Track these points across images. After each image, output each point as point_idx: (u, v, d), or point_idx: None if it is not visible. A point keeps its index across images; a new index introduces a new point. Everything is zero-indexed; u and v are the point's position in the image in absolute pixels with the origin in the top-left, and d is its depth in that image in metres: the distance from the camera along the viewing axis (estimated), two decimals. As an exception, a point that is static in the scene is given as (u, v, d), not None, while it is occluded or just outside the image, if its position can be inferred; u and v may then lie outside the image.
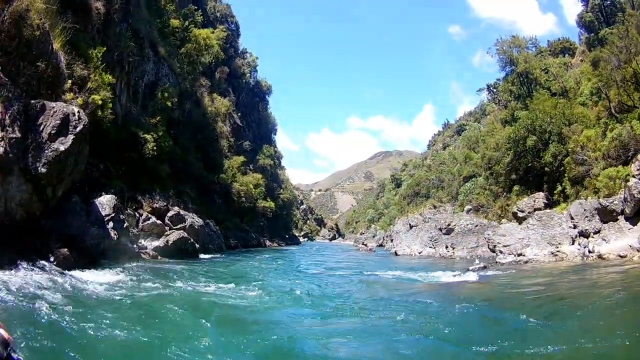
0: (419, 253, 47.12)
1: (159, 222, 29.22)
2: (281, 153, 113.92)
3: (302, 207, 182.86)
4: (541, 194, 41.53)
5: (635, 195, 27.21)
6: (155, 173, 34.29)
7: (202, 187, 45.61)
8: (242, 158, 62.61)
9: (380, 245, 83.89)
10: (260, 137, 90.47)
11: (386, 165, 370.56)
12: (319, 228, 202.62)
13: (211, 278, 19.34)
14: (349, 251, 70.01)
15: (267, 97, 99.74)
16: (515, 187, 48.21)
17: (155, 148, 33.76)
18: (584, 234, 30.30)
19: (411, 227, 56.09)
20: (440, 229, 48.97)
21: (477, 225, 44.88)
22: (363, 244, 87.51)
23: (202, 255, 31.48)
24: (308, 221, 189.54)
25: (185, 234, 29.81)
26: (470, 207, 55.32)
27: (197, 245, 31.34)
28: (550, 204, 39.43)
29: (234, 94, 75.02)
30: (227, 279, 19.47)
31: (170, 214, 31.22)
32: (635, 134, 32.01)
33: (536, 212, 36.17)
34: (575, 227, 31.21)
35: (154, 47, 40.67)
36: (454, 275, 24.18)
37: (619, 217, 28.96)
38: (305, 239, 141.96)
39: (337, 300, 16.19)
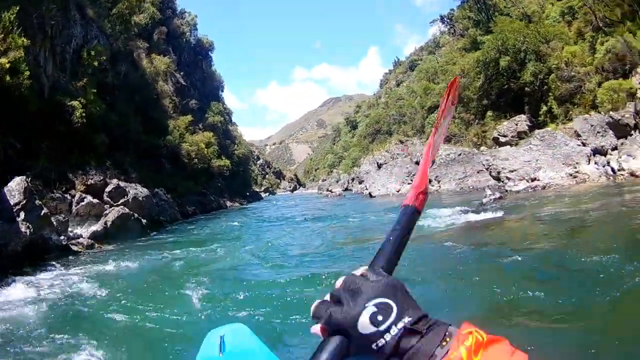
0: (397, 191, 44.15)
1: (95, 201, 23.90)
2: (231, 109, 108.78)
3: (259, 162, 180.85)
4: (523, 116, 40.05)
5: (650, 107, 24.30)
6: (88, 144, 29.02)
7: (146, 153, 40.28)
8: (189, 117, 57.24)
9: (346, 189, 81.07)
10: (207, 96, 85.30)
11: (337, 110, 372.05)
12: (278, 181, 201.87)
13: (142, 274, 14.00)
14: (316, 199, 67.10)
15: (210, 54, 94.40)
16: (489, 113, 46.84)
17: (84, 115, 28.46)
18: (599, 152, 27.29)
19: (379, 165, 53.85)
20: (417, 163, 45.17)
21: (460, 154, 41.98)
22: (328, 190, 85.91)
23: (154, 232, 26.30)
24: (267, 175, 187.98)
25: (127, 210, 24.55)
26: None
27: (145, 221, 26.09)
28: (534, 126, 37.84)
29: (174, 54, 69.77)
30: (171, 265, 14.70)
31: (108, 188, 25.76)
32: (631, 46, 30.00)
33: (537, 132, 32.56)
34: (584, 144, 28.15)
35: (81, 10, 35.41)
36: (473, 212, 19.76)
37: (632, 132, 26.49)
38: (267, 193, 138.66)
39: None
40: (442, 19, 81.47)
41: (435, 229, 16.64)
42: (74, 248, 19.36)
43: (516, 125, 39.21)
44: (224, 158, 68.29)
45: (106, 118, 32.98)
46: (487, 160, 34.37)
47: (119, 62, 41.47)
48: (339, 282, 0.93)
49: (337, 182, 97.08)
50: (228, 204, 62.09)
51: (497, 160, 32.22)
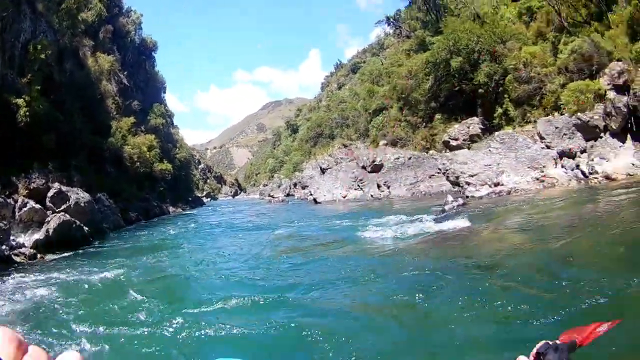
0: (343, 197, 43.40)
1: (38, 206, 22.96)
2: (172, 112, 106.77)
3: (200, 166, 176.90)
4: (475, 118, 39.45)
5: (622, 109, 24.54)
6: (33, 145, 27.99)
7: (91, 155, 39.15)
8: (132, 119, 55.70)
9: (289, 194, 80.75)
10: (149, 97, 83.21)
11: (277, 114, 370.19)
12: (219, 186, 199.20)
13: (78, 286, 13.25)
14: (258, 204, 66.75)
15: (153, 54, 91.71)
16: (437, 116, 46.25)
17: (27, 114, 27.41)
18: (566, 154, 27.25)
19: (322, 170, 52.84)
20: (364, 167, 45.30)
21: (410, 158, 41.16)
22: (270, 195, 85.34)
23: (97, 241, 25.30)
24: (208, 180, 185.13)
25: (68, 216, 23.58)
26: (385, 141, 51.16)
27: (87, 229, 25.10)
28: (487, 129, 37.67)
29: (119, 54, 68.07)
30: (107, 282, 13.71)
31: (50, 193, 24.79)
32: (599, 47, 29.47)
33: (497, 134, 32.74)
34: (548, 147, 28.06)
35: (31, 3, 34.30)
36: (436, 220, 18.88)
37: (602, 134, 26.29)
38: (209, 198, 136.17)
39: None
40: (387, 20, 79.71)
41: (395, 241, 15.97)
42: (17, 259, 18.51)
43: (468, 128, 38.83)
44: (165, 162, 66.80)
45: (52, 117, 31.88)
46: (443, 164, 34.01)
47: (65, 59, 40.37)
48: None
49: (279, 187, 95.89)
50: (171, 209, 60.75)
51: (454, 164, 31.89)
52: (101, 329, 8.58)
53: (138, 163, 51.50)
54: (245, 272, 13.58)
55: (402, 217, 21.10)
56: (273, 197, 76.11)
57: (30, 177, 24.95)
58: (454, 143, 38.31)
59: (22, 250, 19.57)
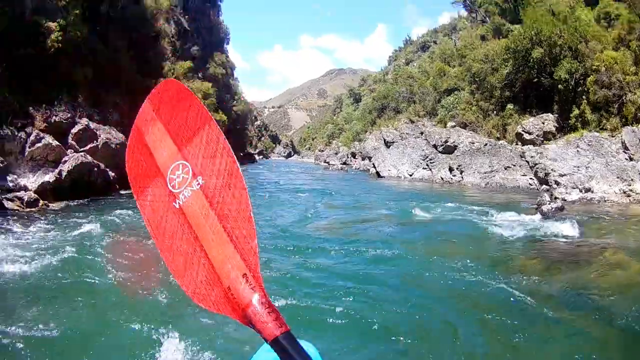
0: (410, 175, 39.60)
1: (55, 143, 18.74)
2: (234, 64, 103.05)
3: (256, 123, 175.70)
4: (550, 115, 37.02)
5: None
6: (65, 77, 23.90)
7: (136, 96, 35.16)
8: (188, 63, 51.87)
9: (345, 163, 77.12)
10: (211, 46, 79.81)
11: (339, 82, 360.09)
12: (273, 145, 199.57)
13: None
14: (314, 169, 64.66)
15: (218, 2, 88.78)
16: (509, 106, 42.97)
17: (60, 39, 23.26)
18: None
19: (386, 142, 49.86)
20: (435, 146, 41.14)
21: (486, 145, 37.16)
22: (325, 161, 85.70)
23: (126, 190, 21.28)
24: (262, 138, 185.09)
25: (89, 158, 19.48)
26: (454, 123, 47.64)
27: (113, 174, 21.09)
28: (561, 128, 35.80)
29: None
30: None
31: (75, 129, 20.64)
32: None
33: (586, 134, 29.08)
34: (631, 159, 24.79)
35: None
36: (539, 221, 15.86)
37: None
38: (261, 156, 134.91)
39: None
40: (464, 1, 77.60)
41: (503, 242, 13.04)
42: (10, 205, 14.43)
43: (542, 123, 36.17)
44: (221, 112, 63.39)
45: (92, 48, 27.77)
46: (532, 157, 30.94)
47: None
48: None
49: (336, 154, 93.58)
50: None
51: (544, 159, 28.09)
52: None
53: (190, 110, 47.52)
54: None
55: (492, 210, 18.05)
56: (329, 164, 74.80)
57: (51, 108, 20.78)
58: (527, 137, 35.96)
59: (20, 194, 15.46)
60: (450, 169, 37.47)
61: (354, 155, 79.41)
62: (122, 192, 20.83)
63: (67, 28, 23.79)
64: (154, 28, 44.39)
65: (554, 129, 35.55)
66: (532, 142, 35.13)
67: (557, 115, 37.00)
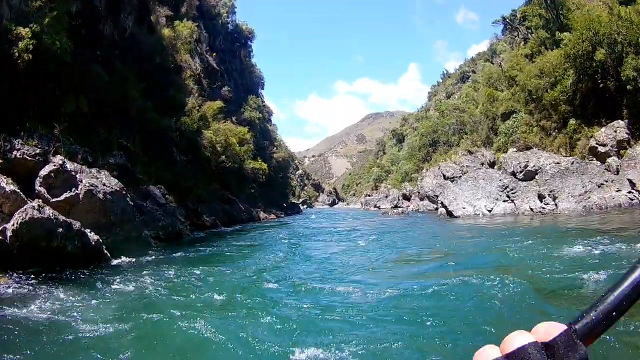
0: (489, 211, 33.75)
1: (10, 188, 12.28)
2: (271, 109, 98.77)
3: (298, 172, 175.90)
4: (621, 122, 34.27)
5: None
6: (46, 101, 17.77)
7: (153, 135, 28.93)
8: (219, 103, 46.36)
9: (396, 206, 70.88)
10: (245, 90, 76.58)
11: (377, 126, 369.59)
12: (317, 194, 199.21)
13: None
14: (369, 216, 57.21)
15: (249, 43, 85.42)
16: (572, 122, 40.58)
17: (31, 48, 17.05)
18: None
19: (447, 178, 47.00)
20: (513, 174, 36.56)
21: (573, 163, 33.50)
22: (376, 206, 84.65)
23: (117, 260, 14.50)
24: (306, 187, 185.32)
25: (50, 213, 12.60)
26: (515, 148, 45.73)
27: (95, 238, 13.83)
28: (633, 134, 33.45)
29: (206, 33, 59.93)
30: None
31: (45, 171, 14.23)
32: None
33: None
34: None
35: None
36: None
37: None
38: (305, 206, 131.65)
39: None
40: (504, 20, 74.55)
41: None
42: None
43: (615, 132, 33.70)
44: (260, 160, 57.83)
45: (94, 76, 21.74)
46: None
47: (123, 10, 30.37)
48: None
49: (387, 198, 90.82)
50: (262, 215, 51.93)
51: None
52: None
53: (224, 156, 41.42)
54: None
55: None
56: (380, 209, 74.13)
57: (13, 141, 14.27)
58: (602, 150, 33.77)
59: None
60: (541, 197, 32.85)
61: (406, 197, 75.59)
62: (115, 261, 14.20)
63: (42, 36, 17.52)
64: (174, 60, 38.39)
65: (627, 136, 33.09)
66: (607, 155, 32.86)
67: (627, 121, 34.38)
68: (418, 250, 18.69)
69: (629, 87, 34.11)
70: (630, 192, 28.36)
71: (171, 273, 12.82)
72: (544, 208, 31.52)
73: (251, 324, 8.36)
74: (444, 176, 48.75)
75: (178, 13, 47.91)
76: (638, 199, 27.43)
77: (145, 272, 12.63)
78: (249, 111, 69.75)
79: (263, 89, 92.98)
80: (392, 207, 71.12)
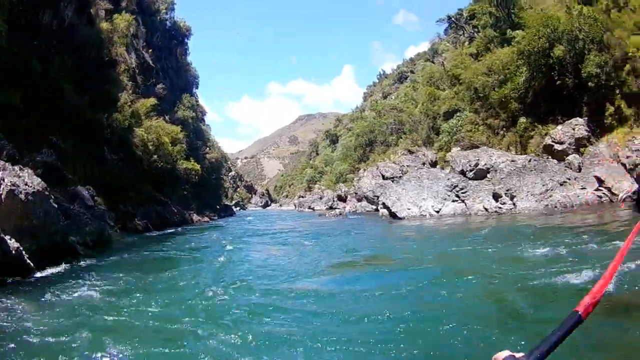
0: (437, 212, 32.62)
1: None
2: (205, 109, 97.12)
3: (230, 174, 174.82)
4: (579, 119, 34.53)
5: None
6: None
7: (83, 131, 27.00)
8: (152, 100, 44.72)
9: (331, 207, 73.06)
10: (179, 89, 74.62)
11: (310, 127, 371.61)
12: (249, 195, 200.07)
13: None
14: (306, 218, 54.93)
15: (186, 40, 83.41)
16: (522, 120, 40.92)
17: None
18: None
19: (385, 178, 47.11)
20: (462, 173, 35.99)
21: (530, 161, 33.37)
22: (310, 207, 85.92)
23: (40, 272, 12.86)
24: (238, 189, 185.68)
25: None
26: (459, 148, 45.04)
27: (17, 246, 11.95)
28: (593, 132, 33.76)
29: (144, 28, 58.06)
30: None
31: (-44, 170, 12.42)
32: None
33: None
34: None
35: None
36: None
37: None
38: (237, 207, 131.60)
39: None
40: (449, 18, 77.25)
41: None
42: None
43: (573, 130, 33.75)
44: (193, 161, 56.38)
45: (29, 66, 20.00)
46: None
47: (62, 0, 28.59)
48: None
49: (321, 199, 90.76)
50: (195, 217, 50.54)
51: None
52: None
53: (156, 156, 39.61)
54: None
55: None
56: (314, 210, 74.90)
57: None
58: (558, 147, 33.93)
59: None
60: (496, 196, 32.25)
61: (340, 198, 75.90)
62: (38, 274, 12.58)
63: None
64: (109, 53, 36.53)
65: (585, 133, 33.35)
66: (564, 153, 33.10)
67: (586, 118, 34.51)
68: (365, 252, 17.79)
69: (590, 83, 34.25)
70: (598, 190, 28.24)
71: (101, 284, 11.38)
72: (500, 207, 31.13)
73: (189, 332, 7.92)
74: (383, 176, 48.62)
75: (118, 6, 46.57)
76: (607, 196, 27.21)
77: (71, 286, 11.05)
78: (182, 110, 68.20)
79: (197, 87, 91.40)
80: (327, 209, 71.47)
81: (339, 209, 62.21)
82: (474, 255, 14.08)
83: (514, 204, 30.65)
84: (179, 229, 36.36)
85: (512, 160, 33.62)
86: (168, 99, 62.61)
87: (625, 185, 24.27)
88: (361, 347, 7.17)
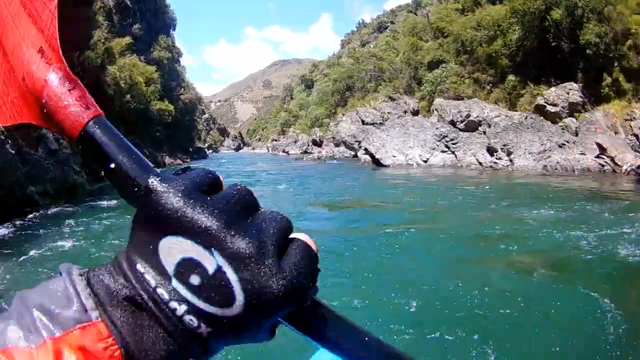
0: (425, 162, 31.53)
1: None
2: (181, 50, 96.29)
3: (204, 116, 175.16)
4: (574, 84, 34.65)
5: None
6: None
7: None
8: (127, 39, 43.04)
9: (305, 152, 73.88)
10: (155, 31, 73.78)
11: (285, 73, 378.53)
12: (222, 138, 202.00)
13: None
14: (282, 162, 54.88)
15: None
16: (510, 77, 41.18)
17: None
18: None
19: (365, 123, 47.18)
20: (452, 123, 35.05)
21: (527, 118, 33.38)
22: (284, 151, 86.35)
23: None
24: (211, 131, 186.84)
25: None
26: (443, 98, 43.97)
27: None
28: (588, 98, 33.94)
29: None
30: None
31: None
32: None
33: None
34: None
35: None
36: None
37: None
38: (210, 150, 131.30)
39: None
40: None
41: None
42: None
43: (567, 94, 33.77)
44: (167, 102, 55.05)
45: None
46: None
47: None
48: None
49: (295, 142, 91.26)
50: (167, 160, 49.33)
51: None
52: None
53: (129, 95, 37.95)
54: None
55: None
56: (289, 154, 75.48)
57: None
58: (551, 109, 33.91)
59: None
60: (491, 150, 31.96)
61: (315, 142, 76.24)
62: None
63: None
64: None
65: (579, 99, 33.53)
66: (557, 115, 33.22)
67: (581, 84, 34.66)
68: (351, 197, 17.89)
69: (588, 51, 34.36)
70: (599, 157, 28.02)
71: (70, 232, 10.27)
72: (495, 162, 30.88)
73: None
74: (363, 121, 48.58)
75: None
76: (609, 165, 26.95)
77: (26, 245, 9.79)
78: (158, 50, 67.47)
79: (174, 30, 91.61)
80: (301, 152, 72.12)
81: (314, 153, 61.71)
82: (475, 212, 13.23)
83: (510, 161, 30.44)
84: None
85: (507, 116, 33.30)
86: (144, 39, 61.55)
87: (628, 157, 24.44)
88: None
